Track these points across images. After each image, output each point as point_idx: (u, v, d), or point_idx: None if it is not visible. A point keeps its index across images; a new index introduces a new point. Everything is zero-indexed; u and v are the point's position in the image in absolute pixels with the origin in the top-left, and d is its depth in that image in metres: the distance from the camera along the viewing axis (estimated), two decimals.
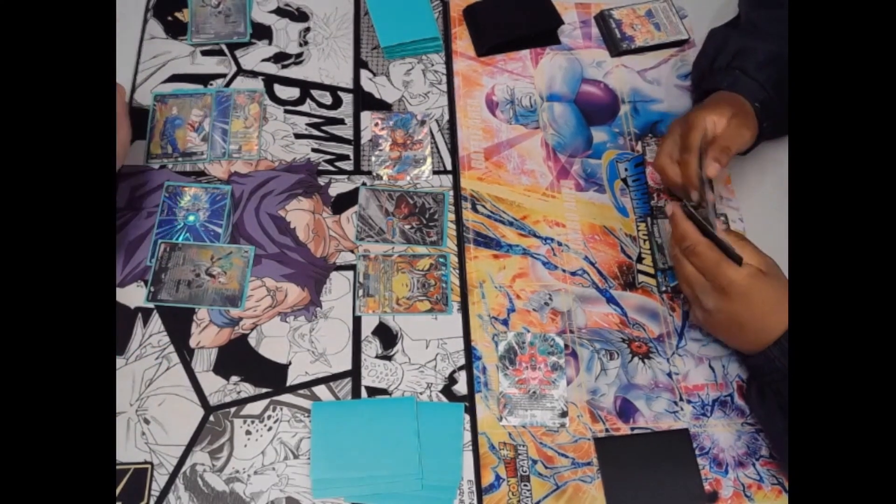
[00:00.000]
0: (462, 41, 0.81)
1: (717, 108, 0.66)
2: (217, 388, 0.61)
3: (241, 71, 0.77)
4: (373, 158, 0.73)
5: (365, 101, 0.77)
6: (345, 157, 0.73)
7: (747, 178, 0.76)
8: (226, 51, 0.78)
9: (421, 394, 0.63)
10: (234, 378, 0.62)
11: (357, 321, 0.65)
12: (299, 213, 0.70)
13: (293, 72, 0.78)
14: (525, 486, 0.60)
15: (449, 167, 0.74)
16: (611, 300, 0.68)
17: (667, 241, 0.70)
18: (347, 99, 0.77)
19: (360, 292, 0.66)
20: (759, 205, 0.74)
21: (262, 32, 0.80)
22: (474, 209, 0.71)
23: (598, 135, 0.77)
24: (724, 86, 0.69)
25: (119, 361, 0.62)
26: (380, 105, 0.77)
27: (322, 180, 0.72)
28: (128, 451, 0.58)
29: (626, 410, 0.63)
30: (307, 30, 0.81)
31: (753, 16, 0.73)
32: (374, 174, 0.73)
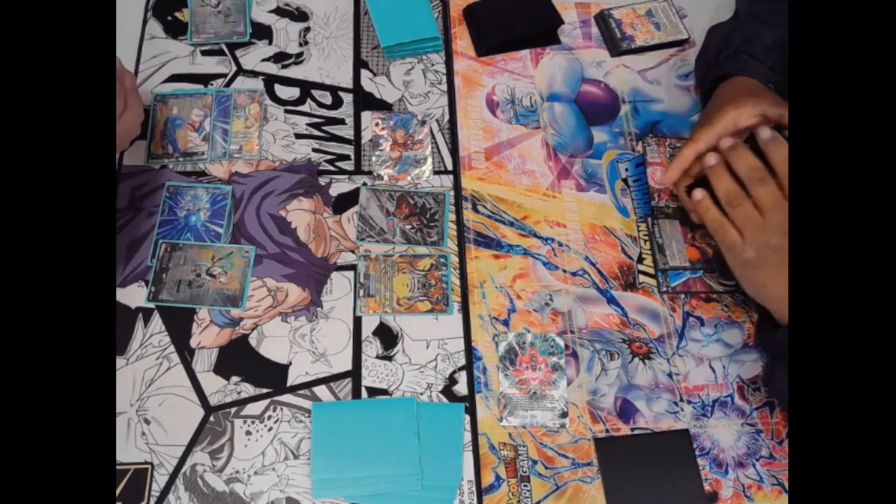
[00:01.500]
0: (462, 41, 0.81)
1: (734, 101, 0.64)
2: (217, 388, 0.61)
3: (241, 71, 0.77)
4: (373, 158, 0.73)
5: (365, 101, 0.77)
6: (345, 157, 0.73)
7: None
8: (226, 50, 0.78)
9: (421, 394, 0.63)
10: (235, 378, 0.62)
11: (358, 321, 0.65)
12: (300, 213, 0.70)
13: (293, 72, 0.78)
14: (525, 486, 0.60)
15: (449, 167, 0.74)
16: (611, 300, 0.68)
17: (687, 212, 0.69)
18: (348, 99, 0.77)
19: (361, 292, 0.66)
20: None
21: (261, 32, 0.80)
22: (475, 209, 0.71)
23: (599, 135, 0.77)
24: (733, 70, 0.68)
25: (119, 361, 0.62)
26: (380, 105, 0.77)
27: (323, 180, 0.72)
28: (128, 451, 0.58)
29: (626, 411, 0.63)
30: (307, 29, 0.81)
31: (755, 8, 0.73)
32: (375, 174, 0.72)
